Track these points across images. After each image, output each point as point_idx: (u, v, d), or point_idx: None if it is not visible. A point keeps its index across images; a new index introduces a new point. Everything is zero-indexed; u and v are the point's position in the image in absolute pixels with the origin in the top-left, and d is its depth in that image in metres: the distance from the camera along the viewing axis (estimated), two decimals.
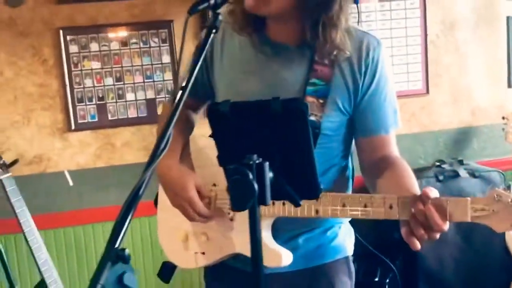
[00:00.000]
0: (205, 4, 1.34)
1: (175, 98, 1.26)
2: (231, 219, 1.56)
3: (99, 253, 3.29)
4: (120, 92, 3.24)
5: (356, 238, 1.81)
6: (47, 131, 3.19)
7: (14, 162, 2.25)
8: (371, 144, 1.56)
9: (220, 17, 1.36)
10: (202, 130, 1.70)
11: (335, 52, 1.48)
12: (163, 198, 1.70)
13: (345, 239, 1.71)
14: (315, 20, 1.45)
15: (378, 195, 1.41)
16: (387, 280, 3.25)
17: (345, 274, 1.69)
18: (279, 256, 1.47)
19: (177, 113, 1.23)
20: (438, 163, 3.51)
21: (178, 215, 1.61)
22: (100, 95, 3.21)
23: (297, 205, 1.15)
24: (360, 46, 1.51)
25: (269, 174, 1.02)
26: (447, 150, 3.69)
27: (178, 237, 1.69)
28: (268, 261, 1.39)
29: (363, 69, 1.50)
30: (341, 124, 1.54)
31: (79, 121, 3.20)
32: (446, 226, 1.35)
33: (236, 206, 1.00)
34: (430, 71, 3.60)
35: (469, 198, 1.31)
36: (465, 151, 3.72)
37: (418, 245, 1.34)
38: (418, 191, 1.40)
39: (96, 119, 3.23)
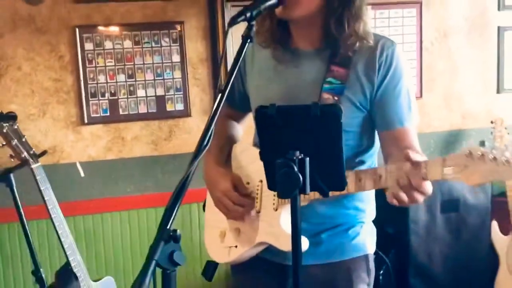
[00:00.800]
0: (242, 17, 1.48)
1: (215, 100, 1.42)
2: (258, 212, 1.73)
3: (107, 241, 3.45)
4: (132, 88, 3.39)
5: None
6: (61, 124, 3.34)
7: (43, 153, 2.40)
8: (389, 137, 1.68)
9: (254, 28, 1.50)
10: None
11: (358, 44, 1.64)
12: (208, 201, 1.90)
13: (366, 238, 1.83)
14: (340, 14, 1.63)
15: (370, 169, 1.56)
16: (381, 272, 3.42)
17: (363, 270, 1.81)
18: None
19: (217, 113, 1.39)
20: None
21: (217, 214, 1.81)
22: (113, 91, 3.37)
23: (326, 195, 1.33)
24: (375, 46, 1.67)
25: (308, 169, 1.21)
26: (438, 151, 3.88)
27: (216, 234, 1.87)
28: (285, 244, 1.54)
29: (377, 66, 1.65)
30: (358, 120, 1.69)
31: (92, 115, 3.35)
32: (426, 187, 1.43)
33: (283, 194, 1.18)
34: (424, 76, 3.79)
35: (442, 157, 1.37)
36: (455, 152, 3.89)
37: (395, 202, 1.46)
38: None
39: (108, 114, 3.38)
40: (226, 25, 3.35)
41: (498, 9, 3.88)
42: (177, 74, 3.43)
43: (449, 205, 3.58)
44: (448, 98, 3.87)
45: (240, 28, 1.52)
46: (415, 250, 3.55)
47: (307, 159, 1.18)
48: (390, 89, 1.66)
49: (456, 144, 3.92)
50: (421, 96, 3.81)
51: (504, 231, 3.62)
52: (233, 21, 1.51)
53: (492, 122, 3.72)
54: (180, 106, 3.45)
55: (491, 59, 3.92)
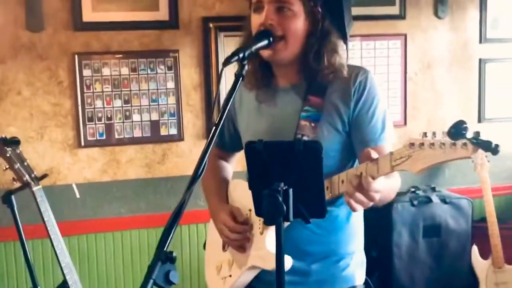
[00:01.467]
0: (236, 58, 1.64)
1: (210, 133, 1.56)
2: (249, 240, 1.86)
3: (101, 260, 3.56)
4: (127, 113, 3.52)
5: None
6: (58, 147, 3.46)
7: (44, 176, 2.52)
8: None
9: (246, 68, 1.65)
10: None
11: (333, 74, 1.80)
12: (208, 240, 2.07)
13: (355, 270, 1.95)
14: (318, 49, 1.80)
15: (334, 176, 1.67)
16: None
17: None
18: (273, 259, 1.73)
19: (212, 144, 1.53)
20: (413, 189, 3.82)
21: (215, 250, 1.97)
22: (109, 116, 3.50)
23: (307, 222, 1.47)
24: (349, 75, 1.83)
25: (291, 199, 1.34)
26: (422, 178, 4.01)
27: (214, 268, 2.01)
28: (269, 264, 1.66)
29: (352, 92, 1.80)
30: (339, 144, 1.83)
31: (88, 139, 3.48)
32: (376, 184, 1.55)
33: (269, 221, 1.32)
34: (408, 105, 3.95)
35: (390, 152, 1.50)
36: (438, 179, 4.05)
37: (356, 207, 1.56)
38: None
39: (104, 137, 3.50)
40: (218, 54, 3.54)
41: (480, 42, 4.05)
42: (171, 100, 3.57)
43: (431, 230, 3.71)
44: (431, 126, 4.02)
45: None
46: (398, 273, 3.67)
47: (291, 190, 1.32)
48: (364, 112, 1.81)
49: (439, 171, 4.07)
50: (405, 124, 3.97)
51: (484, 255, 3.76)
52: (227, 62, 1.66)
53: None
54: (173, 131, 3.59)
55: (472, 89, 4.08)
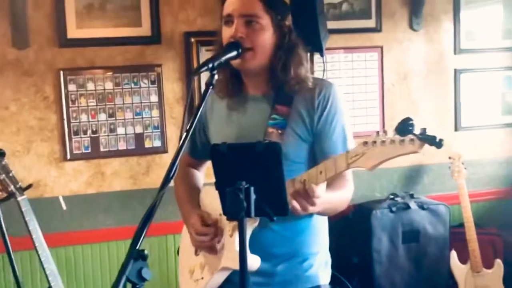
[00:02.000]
0: (205, 68, 1.74)
1: (180, 138, 1.66)
2: (218, 241, 1.95)
3: (87, 271, 3.63)
4: (112, 126, 3.62)
5: None
6: (45, 160, 3.55)
7: (29, 186, 2.61)
8: None
9: (216, 77, 1.75)
10: None
11: (299, 85, 1.92)
12: (181, 246, 2.16)
13: (319, 270, 2.04)
14: (285, 61, 1.92)
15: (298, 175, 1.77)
16: None
17: None
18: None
19: (182, 150, 1.63)
20: (391, 196, 3.93)
21: (187, 255, 2.05)
22: (94, 129, 3.59)
23: (271, 220, 1.56)
24: (315, 87, 1.95)
25: (253, 196, 1.44)
26: (401, 185, 4.14)
27: (186, 272, 2.09)
28: (236, 264, 1.74)
29: (316, 104, 1.92)
30: (304, 152, 1.93)
31: (74, 152, 3.57)
32: (318, 190, 1.66)
33: (231, 217, 1.42)
34: (386, 115, 4.07)
35: (346, 151, 1.61)
36: (416, 186, 4.16)
37: (298, 210, 1.68)
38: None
39: (89, 150, 3.60)
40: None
41: (454, 53, 4.18)
42: (155, 113, 3.68)
43: (410, 236, 3.81)
44: None
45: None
46: (378, 278, 3.76)
47: (252, 188, 1.42)
48: (327, 124, 1.92)
49: (417, 179, 4.18)
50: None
51: (462, 260, 3.86)
52: (197, 71, 1.78)
53: (450, 158, 4.02)
54: (157, 143, 3.69)
55: (448, 99, 4.20)
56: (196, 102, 3.64)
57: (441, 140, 1.39)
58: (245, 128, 1.97)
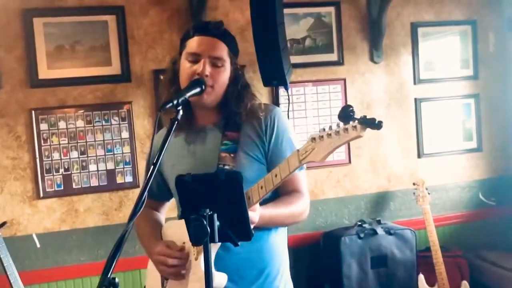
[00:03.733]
0: (170, 104, 1.85)
1: (148, 170, 1.75)
2: (185, 270, 2.02)
3: None
4: (84, 163, 3.70)
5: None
6: (18, 199, 3.60)
7: (3, 224, 2.67)
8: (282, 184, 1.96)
9: (181, 112, 1.86)
10: None
11: (250, 115, 2.05)
12: (147, 283, 2.22)
13: (286, 286, 2.13)
14: (238, 94, 2.07)
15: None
16: None
17: None
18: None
19: (149, 182, 1.71)
20: (359, 223, 4.04)
21: None
22: (66, 167, 3.66)
23: (236, 245, 1.66)
24: (259, 111, 2.09)
25: (217, 222, 1.54)
26: (368, 211, 4.26)
27: None
28: (202, 284, 1.81)
29: (264, 127, 2.06)
30: (259, 172, 2.02)
31: (47, 190, 3.63)
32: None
33: (196, 242, 1.52)
34: (352, 144, 4.19)
35: (296, 149, 1.70)
36: (384, 212, 4.29)
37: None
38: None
39: (62, 188, 3.66)
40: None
41: (414, 83, 4.37)
42: (126, 149, 3.77)
43: (378, 261, 3.92)
44: (374, 163, 4.28)
45: None
46: None
47: (215, 214, 1.52)
48: (278, 144, 2.06)
49: (384, 204, 4.31)
50: (350, 162, 4.21)
51: (430, 283, 3.97)
52: (163, 107, 1.88)
53: (414, 184, 4.16)
54: (129, 178, 3.77)
55: (410, 127, 4.37)
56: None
57: (380, 122, 1.51)
58: (200, 157, 2.07)
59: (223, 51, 2.06)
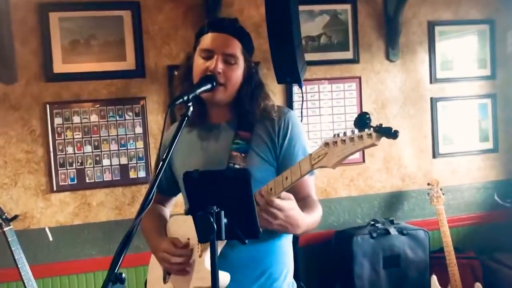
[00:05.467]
0: (181, 100, 1.84)
1: (156, 168, 1.75)
2: (190, 265, 2.01)
3: None
4: (97, 158, 3.71)
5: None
6: (31, 192, 3.62)
7: (15, 217, 2.69)
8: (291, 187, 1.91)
9: (191, 108, 1.85)
10: None
11: (263, 114, 2.03)
12: (149, 278, 2.21)
13: None
14: (252, 93, 2.05)
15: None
16: None
17: None
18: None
19: (158, 179, 1.71)
20: (372, 222, 4.01)
21: (156, 284, 2.10)
22: (80, 161, 3.68)
23: (243, 243, 1.65)
24: (273, 113, 2.07)
25: (224, 220, 1.53)
26: (381, 211, 4.23)
27: None
28: (207, 281, 1.80)
29: (277, 129, 2.04)
30: (269, 173, 2.00)
31: (60, 183, 3.65)
32: (275, 202, 1.72)
33: (202, 239, 1.51)
34: None
35: (309, 154, 1.67)
36: (397, 212, 4.26)
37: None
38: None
39: (75, 182, 3.68)
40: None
41: (430, 82, 4.32)
42: (140, 144, 3.77)
43: (391, 261, 3.89)
44: (388, 162, 4.25)
45: None
46: None
47: (222, 212, 1.51)
48: (290, 148, 2.03)
49: (397, 204, 4.27)
50: (364, 161, 4.18)
51: (443, 284, 3.94)
52: (173, 103, 1.87)
53: (428, 184, 4.12)
54: (142, 174, 3.77)
55: (426, 127, 4.33)
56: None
57: (396, 131, 1.47)
58: (211, 154, 2.06)
59: (236, 48, 2.04)
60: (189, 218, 1.69)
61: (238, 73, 2.04)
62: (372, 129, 1.48)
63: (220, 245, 1.82)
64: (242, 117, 2.07)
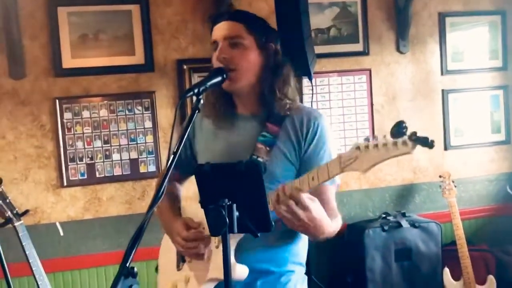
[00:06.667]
0: (191, 93, 1.82)
1: (168, 160, 1.74)
2: (204, 258, 2.01)
3: None
4: (107, 153, 3.70)
5: (313, 280, 2.20)
6: (42, 187, 3.62)
7: (25, 212, 2.69)
8: (312, 193, 1.87)
9: (202, 101, 1.84)
10: None
11: (288, 105, 2.00)
12: (160, 262, 2.20)
13: (296, 285, 2.07)
14: (271, 82, 2.01)
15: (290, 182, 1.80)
16: None
17: None
18: (233, 268, 1.81)
19: (170, 171, 1.70)
20: (384, 215, 3.99)
21: (168, 271, 2.09)
22: (90, 156, 3.68)
23: (255, 236, 1.63)
24: (305, 114, 2.03)
25: (236, 213, 1.52)
26: (393, 204, 4.20)
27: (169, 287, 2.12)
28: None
29: (305, 131, 1.99)
30: (289, 172, 1.98)
31: (71, 178, 3.64)
32: (301, 198, 1.69)
33: (213, 233, 1.50)
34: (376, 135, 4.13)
35: (338, 155, 1.63)
36: (408, 205, 4.23)
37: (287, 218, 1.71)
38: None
39: (86, 177, 3.67)
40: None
41: (441, 73, 4.28)
42: (149, 138, 3.76)
43: (403, 254, 3.87)
44: None
45: None
46: None
47: (234, 205, 1.49)
48: (315, 153, 1.99)
49: (409, 197, 4.25)
50: None
51: (455, 277, 3.91)
52: (184, 96, 1.86)
53: (440, 177, 4.09)
54: (152, 168, 3.76)
55: (437, 119, 4.29)
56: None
57: (432, 141, 1.45)
58: (234, 144, 2.03)
59: (237, 28, 1.98)
60: None
61: (248, 55, 1.99)
62: (407, 137, 1.46)
63: (238, 237, 1.81)
64: (271, 109, 2.03)
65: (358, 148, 1.56)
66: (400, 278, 3.86)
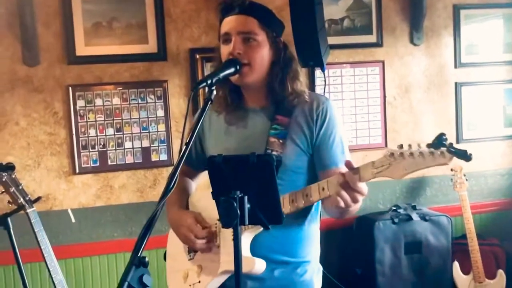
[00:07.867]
0: (204, 84, 1.83)
1: (180, 151, 1.74)
2: (218, 246, 2.02)
3: (96, 283, 3.72)
4: (120, 141, 3.72)
5: (323, 272, 2.23)
6: (54, 174, 3.65)
7: (38, 199, 2.71)
8: (325, 176, 1.92)
9: (214, 92, 1.84)
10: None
11: (297, 99, 2.01)
12: (169, 250, 2.21)
13: (312, 276, 2.11)
14: (281, 77, 2.02)
15: (314, 184, 1.84)
16: None
17: None
18: (252, 262, 1.88)
19: (182, 161, 1.71)
20: (394, 208, 3.99)
21: (178, 259, 2.10)
22: (102, 143, 3.69)
23: (266, 228, 1.64)
24: (312, 101, 2.04)
25: (247, 205, 1.53)
26: (403, 197, 4.20)
27: (179, 277, 2.13)
28: (244, 267, 1.81)
29: (315, 117, 2.01)
30: (302, 162, 2.01)
31: (83, 166, 3.67)
32: (362, 187, 1.72)
33: (225, 224, 1.51)
34: (388, 128, 4.14)
35: (371, 161, 1.66)
36: (419, 198, 4.22)
37: (341, 204, 1.73)
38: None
39: (98, 164, 3.69)
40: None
41: (455, 66, 4.26)
42: (161, 127, 3.77)
43: (413, 247, 3.86)
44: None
45: None
46: None
47: (246, 197, 1.50)
48: (326, 137, 2.01)
49: (420, 191, 4.24)
50: (386, 146, 4.14)
51: (465, 271, 3.91)
52: (196, 87, 1.87)
53: (452, 170, 4.07)
54: (164, 157, 3.78)
55: (450, 112, 4.27)
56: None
57: (470, 154, 1.47)
58: (245, 139, 2.05)
59: (251, 24, 2.00)
60: None
61: (261, 51, 2.01)
62: (445, 148, 1.48)
63: (256, 230, 1.82)
64: (279, 102, 2.04)
65: (391, 155, 1.59)
66: (409, 271, 3.86)
